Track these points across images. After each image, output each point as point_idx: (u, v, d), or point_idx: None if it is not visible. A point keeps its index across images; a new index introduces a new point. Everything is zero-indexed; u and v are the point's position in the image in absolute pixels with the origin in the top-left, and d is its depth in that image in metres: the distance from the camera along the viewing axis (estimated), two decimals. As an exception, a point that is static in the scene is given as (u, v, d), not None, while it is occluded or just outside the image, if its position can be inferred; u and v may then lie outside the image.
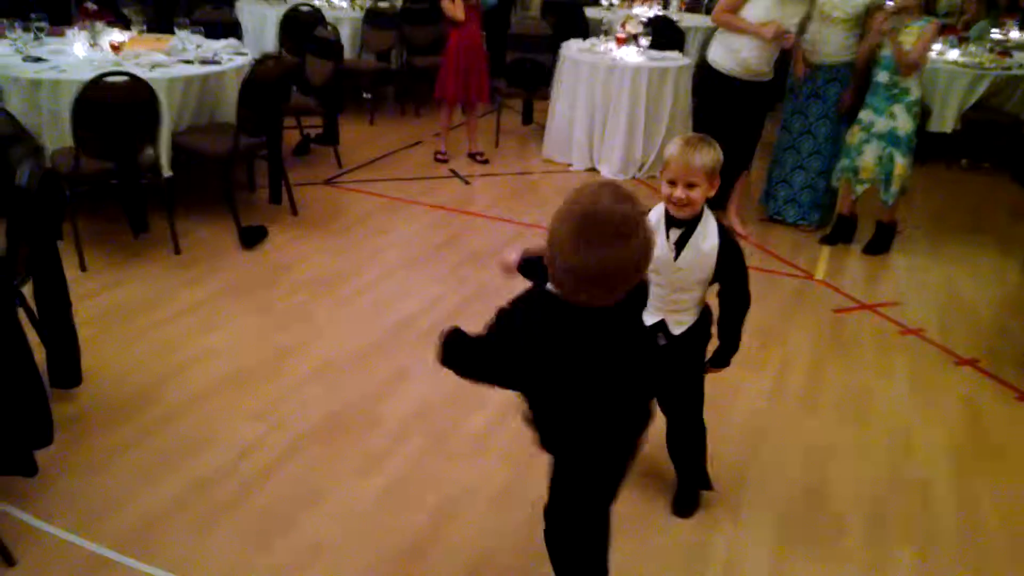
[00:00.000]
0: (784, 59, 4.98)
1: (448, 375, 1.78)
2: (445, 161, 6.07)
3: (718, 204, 5.22)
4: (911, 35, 4.49)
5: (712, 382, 2.60)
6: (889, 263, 4.86)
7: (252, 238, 4.45)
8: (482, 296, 4.03)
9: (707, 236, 2.35)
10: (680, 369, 2.52)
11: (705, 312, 2.48)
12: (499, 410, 3.08)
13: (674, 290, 2.40)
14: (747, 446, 3.04)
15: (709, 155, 2.27)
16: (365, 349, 3.51)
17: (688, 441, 2.67)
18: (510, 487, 2.75)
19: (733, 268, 2.39)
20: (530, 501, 2.52)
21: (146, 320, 3.62)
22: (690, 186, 2.27)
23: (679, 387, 2.57)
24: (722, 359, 2.54)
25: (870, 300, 4.31)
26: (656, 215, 2.37)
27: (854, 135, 4.78)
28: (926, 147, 5.80)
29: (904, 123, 4.61)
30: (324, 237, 4.65)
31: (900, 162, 4.65)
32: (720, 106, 4.88)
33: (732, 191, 5.14)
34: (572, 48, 6.20)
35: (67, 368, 2.93)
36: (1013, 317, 4.28)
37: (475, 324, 1.74)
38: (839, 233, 5.05)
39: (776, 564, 2.50)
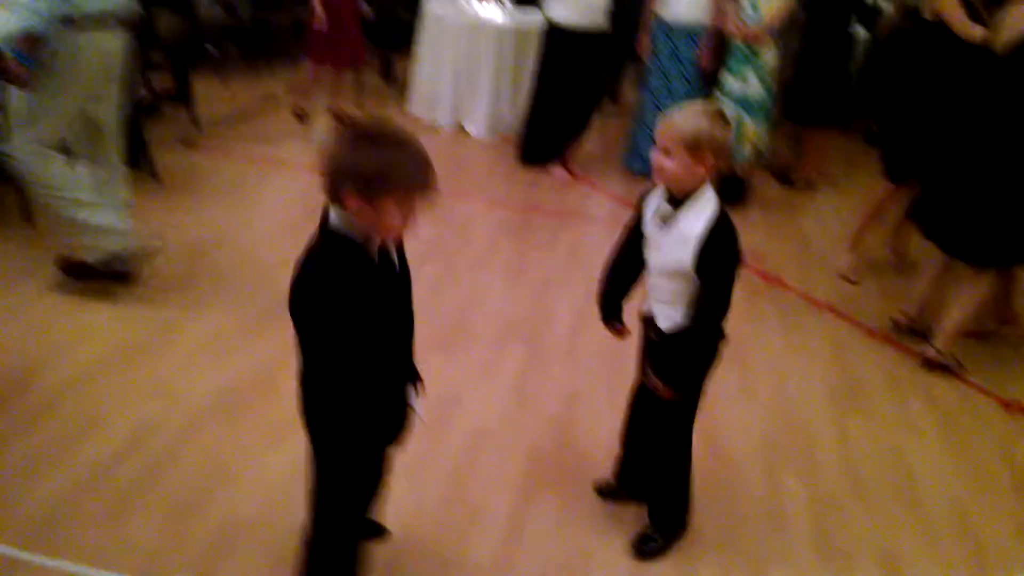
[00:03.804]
0: (627, 17, 5.12)
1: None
2: (306, 120, 5.87)
3: (546, 157, 5.44)
4: (770, 5, 4.68)
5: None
6: (746, 215, 5.15)
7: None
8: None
9: (695, 220, 2.03)
10: (663, 376, 2.18)
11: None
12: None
13: (656, 273, 2.18)
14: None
15: (692, 122, 1.97)
16: (258, 318, 3.39)
17: (658, 475, 2.44)
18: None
19: (712, 267, 2.02)
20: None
21: (11, 299, 3.34)
22: (665, 152, 2.01)
23: (658, 404, 2.24)
24: (665, 369, 2.17)
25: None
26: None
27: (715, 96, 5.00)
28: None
29: (755, 89, 4.84)
30: (193, 205, 4.41)
31: (748, 124, 4.90)
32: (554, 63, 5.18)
33: (566, 149, 5.44)
34: (435, 5, 6.11)
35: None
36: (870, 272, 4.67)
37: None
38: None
39: None
